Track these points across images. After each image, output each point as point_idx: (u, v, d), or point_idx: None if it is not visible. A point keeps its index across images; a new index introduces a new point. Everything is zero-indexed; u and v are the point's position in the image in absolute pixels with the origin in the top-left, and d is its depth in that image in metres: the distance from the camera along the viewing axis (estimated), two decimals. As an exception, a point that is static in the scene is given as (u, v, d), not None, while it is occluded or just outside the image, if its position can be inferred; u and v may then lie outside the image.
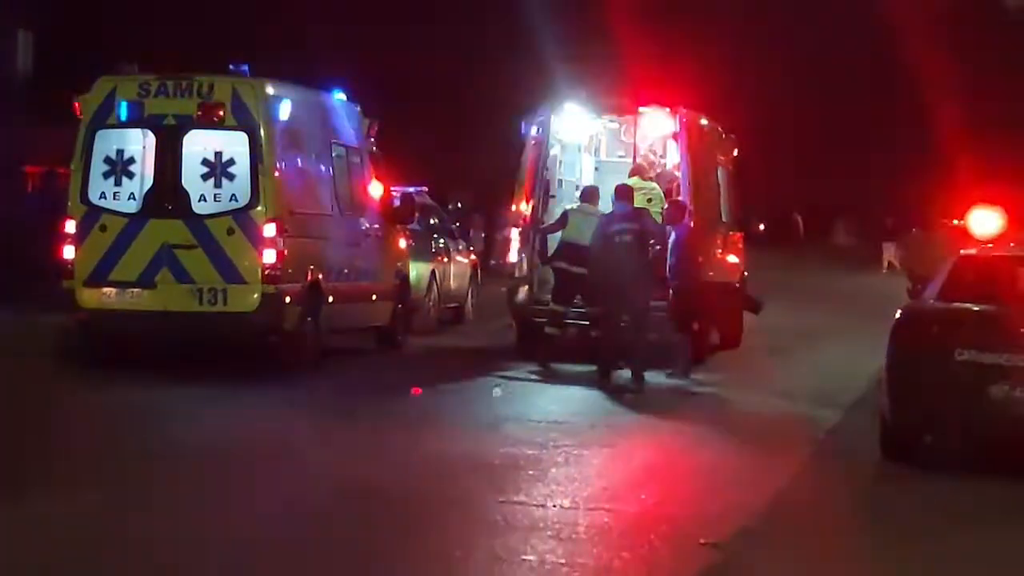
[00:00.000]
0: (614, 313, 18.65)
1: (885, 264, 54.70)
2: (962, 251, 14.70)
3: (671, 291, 18.96)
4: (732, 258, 23.44)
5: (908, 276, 23.20)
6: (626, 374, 18.44)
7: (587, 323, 19.57)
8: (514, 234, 21.13)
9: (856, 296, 38.66)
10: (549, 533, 10.58)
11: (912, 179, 57.23)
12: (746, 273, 24.46)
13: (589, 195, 20.01)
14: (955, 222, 45.15)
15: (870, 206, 59.60)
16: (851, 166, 63.89)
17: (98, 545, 9.81)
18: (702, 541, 10.34)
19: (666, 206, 19.87)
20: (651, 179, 20.93)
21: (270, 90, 18.02)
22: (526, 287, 20.37)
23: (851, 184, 63.02)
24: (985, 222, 14.41)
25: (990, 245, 14.98)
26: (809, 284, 42.73)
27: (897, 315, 13.85)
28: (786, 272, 44.12)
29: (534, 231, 20.42)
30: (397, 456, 13.63)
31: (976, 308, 13.53)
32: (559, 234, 19.94)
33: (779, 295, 33.49)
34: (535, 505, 11.57)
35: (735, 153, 24.35)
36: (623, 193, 19.15)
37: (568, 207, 20.26)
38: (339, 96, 20.57)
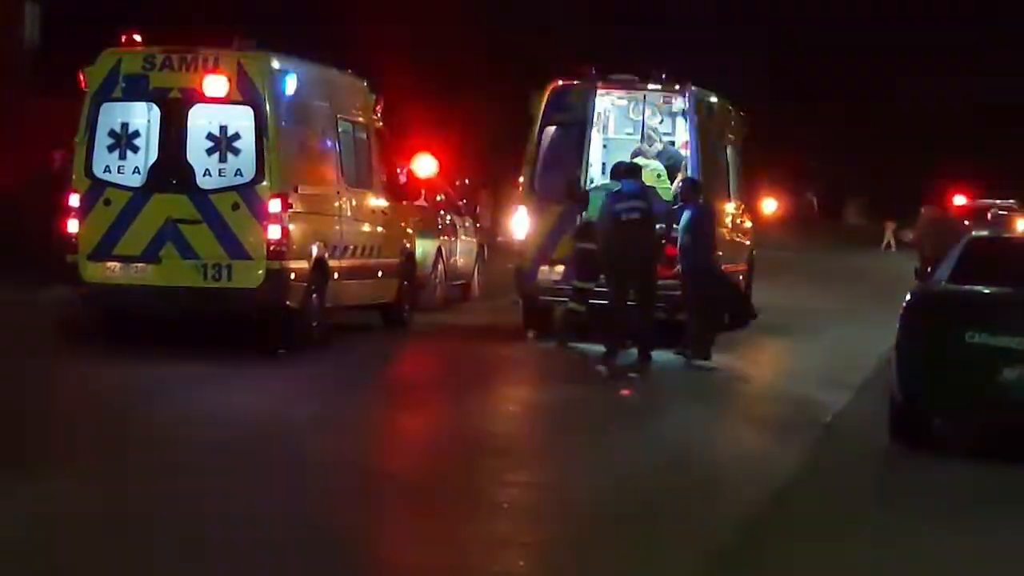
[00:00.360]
0: (621, 291, 18.50)
1: (884, 243, 54.68)
2: (974, 233, 14.55)
3: (683, 271, 18.76)
4: (741, 238, 23.28)
5: (918, 256, 23.05)
6: (633, 353, 18.29)
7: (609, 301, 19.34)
8: (521, 211, 20.98)
9: (865, 276, 38.61)
10: (557, 516, 10.49)
11: (926, 163, 57.21)
12: (755, 253, 24.31)
13: (616, 172, 19.72)
14: (959, 200, 45.37)
15: (882, 188, 59.54)
16: (866, 148, 63.81)
17: (90, 525, 9.69)
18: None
19: (680, 184, 19.68)
20: (652, 159, 20.80)
21: (276, 64, 17.85)
22: (560, 266, 20.07)
23: (865, 166, 62.95)
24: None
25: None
26: (818, 263, 42.65)
27: (908, 297, 13.70)
28: (796, 252, 44.11)
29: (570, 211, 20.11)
30: (403, 436, 13.55)
31: (987, 291, 13.39)
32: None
33: (788, 274, 33.51)
34: (543, 488, 11.46)
35: (746, 131, 24.17)
36: (631, 171, 19.02)
37: (593, 186, 20.11)
38: (346, 71, 20.41)
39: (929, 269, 20.91)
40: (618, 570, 9.17)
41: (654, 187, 19.70)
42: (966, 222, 27.74)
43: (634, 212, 18.31)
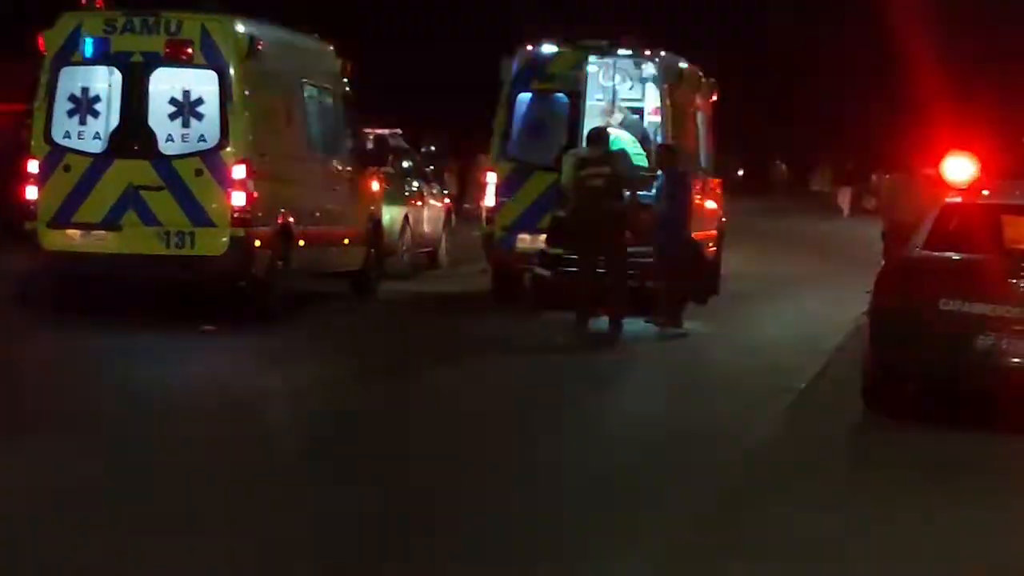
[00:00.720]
0: (589, 259, 18.32)
1: (843, 208, 54.58)
2: (947, 199, 14.36)
3: (657, 238, 18.55)
4: (711, 205, 23.09)
5: (883, 221, 22.94)
6: (603, 322, 18.10)
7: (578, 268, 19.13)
8: (491, 177, 20.74)
9: (830, 241, 38.53)
10: (532, 484, 10.30)
11: (887, 126, 57.09)
12: (725, 220, 24.13)
13: (590, 138, 19.47)
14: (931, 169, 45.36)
15: (848, 153, 59.45)
16: (828, 113, 63.76)
17: (44, 497, 9.46)
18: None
19: (656, 151, 19.46)
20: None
21: (240, 28, 17.57)
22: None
23: (829, 131, 62.91)
24: (959, 169, 14.12)
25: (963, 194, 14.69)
26: (785, 229, 42.55)
27: (881, 264, 13.54)
28: (763, 218, 44.00)
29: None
30: (373, 408, 13.29)
31: (962, 258, 13.22)
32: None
33: (756, 241, 33.36)
34: (516, 457, 11.28)
35: (714, 98, 23.96)
36: (595, 136, 18.82)
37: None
38: (313, 36, 20.13)
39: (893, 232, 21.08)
40: (594, 537, 8.98)
41: (625, 151, 19.46)
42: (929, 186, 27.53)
43: (598, 179, 18.16)
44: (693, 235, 19.63)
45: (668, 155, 19.10)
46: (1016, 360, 12.68)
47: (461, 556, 8.57)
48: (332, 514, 9.32)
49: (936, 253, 13.32)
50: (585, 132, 19.67)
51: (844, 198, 55.51)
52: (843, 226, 46.58)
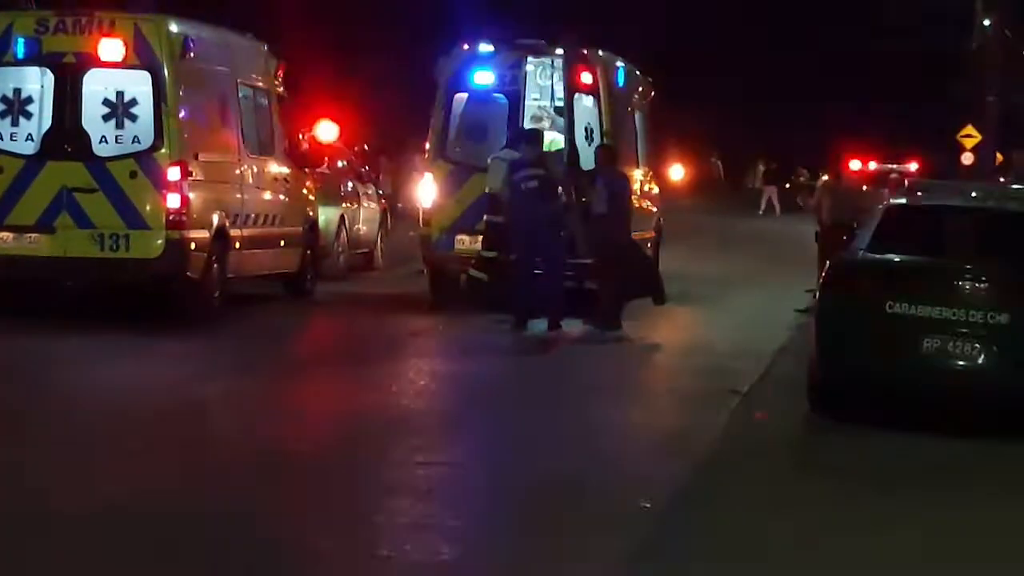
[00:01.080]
0: (525, 261, 18.18)
1: (762, 206, 54.80)
2: (891, 200, 14.33)
3: (597, 240, 18.45)
4: (649, 204, 23.01)
5: (816, 222, 22.99)
6: (541, 324, 17.96)
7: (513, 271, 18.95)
8: (428, 178, 20.58)
9: (765, 240, 38.60)
10: (472, 497, 10.15)
11: (821, 127, 57.42)
12: (662, 220, 24.06)
13: (511, 140, 19.41)
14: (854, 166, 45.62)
15: (787, 153, 59.71)
16: (770, 112, 64.04)
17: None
18: (644, 504, 9.88)
19: (595, 151, 19.32)
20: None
21: (174, 28, 17.34)
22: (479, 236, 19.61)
23: (768, 131, 63.15)
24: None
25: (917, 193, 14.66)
26: (721, 228, 42.59)
27: (827, 267, 13.48)
28: (700, 216, 44.05)
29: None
30: (304, 412, 13.12)
31: (907, 259, 13.18)
32: None
33: (694, 239, 33.36)
34: (456, 467, 11.13)
35: (652, 96, 23.90)
36: (529, 138, 18.70)
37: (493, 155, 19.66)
38: (246, 35, 19.90)
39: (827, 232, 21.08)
40: (541, 550, 8.82)
41: (560, 152, 19.33)
42: (864, 187, 27.59)
43: (532, 181, 18.06)
44: (632, 236, 19.54)
45: (606, 155, 18.98)
46: (962, 363, 12.65)
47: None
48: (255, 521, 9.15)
49: (880, 255, 13.26)
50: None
51: (766, 196, 55.75)
52: (778, 224, 46.71)
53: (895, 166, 44.90)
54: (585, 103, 20.44)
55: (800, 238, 26.65)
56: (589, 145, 20.07)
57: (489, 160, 19.32)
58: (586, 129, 20.45)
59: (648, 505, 9.89)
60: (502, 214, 18.60)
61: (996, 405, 13.08)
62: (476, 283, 19.23)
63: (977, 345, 12.58)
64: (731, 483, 10.88)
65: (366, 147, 39.01)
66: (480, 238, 19.41)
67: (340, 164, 25.30)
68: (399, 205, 35.74)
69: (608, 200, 18.37)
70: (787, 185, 56.77)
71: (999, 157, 48.17)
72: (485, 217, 19.10)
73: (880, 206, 14.26)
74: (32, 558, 8.25)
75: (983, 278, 12.66)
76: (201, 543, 8.63)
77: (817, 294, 13.78)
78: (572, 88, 20.00)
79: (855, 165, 48.55)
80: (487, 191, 19.11)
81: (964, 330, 12.59)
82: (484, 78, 20.48)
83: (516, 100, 20.31)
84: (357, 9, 46.50)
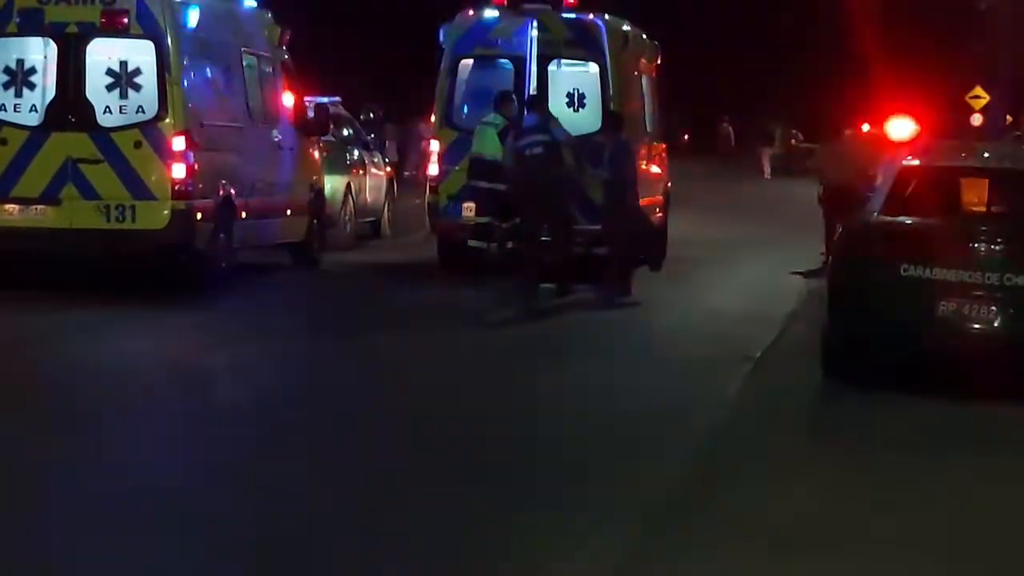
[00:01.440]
0: (533, 229, 18.04)
1: (765, 170, 54.56)
2: (904, 162, 14.16)
3: (604, 206, 18.32)
4: (656, 170, 22.83)
5: (819, 183, 22.88)
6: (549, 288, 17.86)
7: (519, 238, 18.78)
8: (434, 145, 20.42)
9: (770, 203, 38.38)
10: (482, 473, 10.02)
11: (824, 88, 57.18)
12: (670, 185, 23.88)
13: (498, 102, 19.19)
14: (865, 128, 45.37)
15: (769, 114, 59.43)
16: (772, 75, 63.74)
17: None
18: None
19: (602, 116, 19.15)
20: None
21: (178, -4, 17.19)
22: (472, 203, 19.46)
23: (768, 93, 62.92)
24: (901, 128, 14.06)
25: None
26: (728, 191, 42.41)
27: (840, 230, 13.32)
28: (707, 180, 43.87)
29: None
30: (317, 384, 12.97)
31: (922, 222, 13.03)
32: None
33: (700, 204, 33.18)
34: (465, 442, 10.97)
35: (658, 60, 23.69)
36: (532, 103, 18.53)
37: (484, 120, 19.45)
38: (250, 2, 19.73)
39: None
40: (558, 525, 8.68)
41: (556, 118, 19.13)
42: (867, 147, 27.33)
43: (537, 147, 17.91)
44: (640, 201, 19.42)
45: (613, 121, 18.83)
46: (978, 326, 12.51)
47: (412, 544, 8.30)
48: (288, 496, 9.03)
49: (895, 218, 13.11)
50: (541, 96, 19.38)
51: (765, 158, 55.50)
52: (781, 188, 46.47)
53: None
54: (591, 68, 20.23)
55: (806, 200, 26.44)
56: (576, 111, 19.84)
57: (477, 127, 19.10)
58: (571, 95, 20.17)
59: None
60: (497, 180, 18.41)
61: (1014, 368, 12.91)
62: (476, 251, 19.07)
63: (994, 308, 12.44)
64: (743, 452, 10.75)
65: (371, 115, 38.81)
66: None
67: (346, 133, 25.12)
68: (406, 173, 35.57)
69: (613, 165, 18.25)
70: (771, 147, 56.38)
71: (1008, 119, 47.94)
72: (472, 183, 18.91)
73: (892, 167, 14.09)
74: (32, 536, 8.14)
75: (999, 240, 12.51)
76: (204, 517, 8.53)
77: (829, 258, 13.60)
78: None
79: (866, 127, 48.30)
80: (473, 156, 18.89)
81: (980, 293, 12.44)
82: (488, 43, 20.28)
83: (522, 65, 20.11)
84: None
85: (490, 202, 18.72)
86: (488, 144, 18.69)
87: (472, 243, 19.06)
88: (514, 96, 18.96)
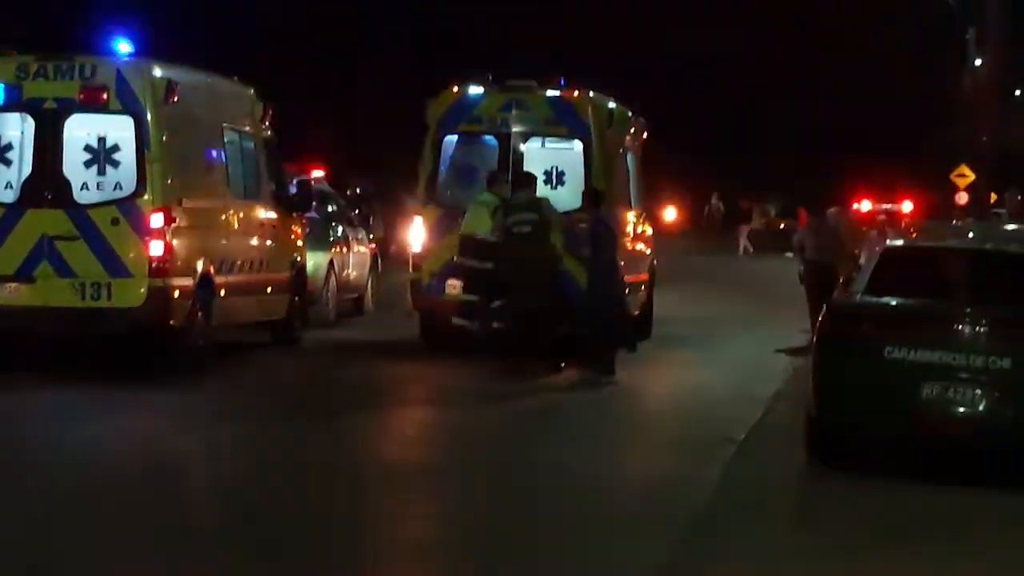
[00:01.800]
0: (520, 306, 17.88)
1: (740, 248, 54.55)
2: (888, 242, 14.00)
3: (588, 286, 18.18)
4: (641, 247, 22.69)
5: (800, 261, 22.87)
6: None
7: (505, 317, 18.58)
8: (418, 222, 20.25)
9: (754, 281, 38.27)
10: (462, 554, 9.77)
11: (804, 171, 57.63)
12: (656, 263, 23.72)
13: (490, 181, 19.14)
14: (856, 206, 45.44)
15: (741, 191, 59.55)
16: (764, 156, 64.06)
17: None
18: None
19: (583, 193, 18.98)
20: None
21: (157, 72, 17.04)
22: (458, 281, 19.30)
23: (755, 173, 63.14)
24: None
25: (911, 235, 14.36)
26: (714, 269, 42.30)
27: (824, 310, 13.14)
28: (693, 257, 43.81)
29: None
30: (293, 466, 12.72)
31: (906, 303, 12.84)
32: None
33: (686, 281, 33.05)
34: (446, 521, 10.77)
35: (644, 136, 23.59)
36: (523, 181, 18.40)
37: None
38: (231, 78, 19.61)
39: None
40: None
41: (546, 198, 18.99)
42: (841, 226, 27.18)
43: (525, 225, 17.80)
44: (625, 278, 19.29)
45: (594, 198, 18.70)
46: (963, 409, 12.30)
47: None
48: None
49: (879, 298, 12.93)
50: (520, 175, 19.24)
51: (743, 236, 55.49)
52: (765, 265, 46.41)
53: (888, 206, 44.68)
54: (575, 146, 20.10)
55: (787, 278, 26.34)
56: (554, 188, 19.72)
57: (471, 205, 18.96)
58: (548, 172, 20.03)
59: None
60: (487, 259, 18.27)
61: (998, 453, 12.71)
62: (463, 330, 18.88)
63: (979, 391, 12.24)
64: (726, 538, 10.53)
65: (359, 190, 38.74)
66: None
67: (330, 208, 24.97)
68: (392, 248, 35.41)
69: (592, 243, 18.13)
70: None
71: (993, 196, 47.98)
72: (462, 260, 18.73)
73: (878, 248, 13.94)
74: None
75: (984, 321, 12.31)
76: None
77: (815, 337, 13.40)
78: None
79: (866, 205, 48.38)
80: (464, 234, 18.73)
81: (965, 375, 12.25)
82: (473, 120, 20.19)
83: (507, 142, 20.01)
84: (349, 51, 46.31)
85: (478, 281, 18.55)
86: (480, 223, 18.56)
87: (456, 321, 18.87)
88: (532, 177, 18.77)
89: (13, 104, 16.85)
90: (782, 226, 50.80)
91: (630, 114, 22.67)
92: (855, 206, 41.17)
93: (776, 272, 35.94)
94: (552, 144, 20.45)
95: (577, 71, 21.47)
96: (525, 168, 19.55)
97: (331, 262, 23.67)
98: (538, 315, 17.93)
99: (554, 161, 20.13)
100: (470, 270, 18.66)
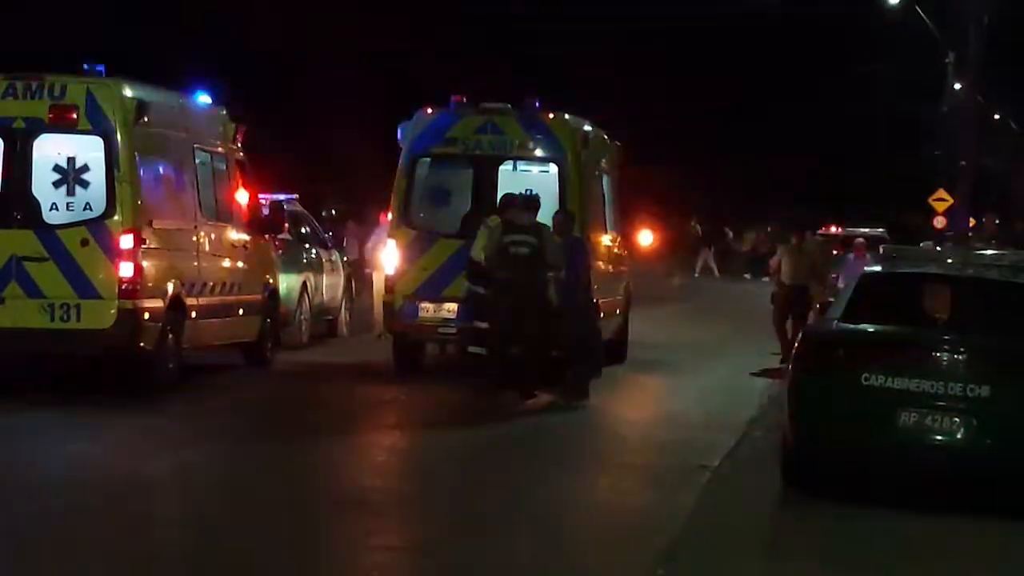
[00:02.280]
0: (505, 329, 17.65)
1: (698, 269, 54.54)
2: (866, 269, 13.89)
3: (562, 308, 18.00)
4: (616, 270, 22.55)
5: (775, 283, 22.94)
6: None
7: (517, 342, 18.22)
8: (391, 244, 20.07)
9: (728, 304, 38.21)
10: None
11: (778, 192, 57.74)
12: (631, 285, 23.60)
13: (502, 205, 18.76)
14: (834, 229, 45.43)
15: (703, 214, 59.57)
16: (741, 175, 64.09)
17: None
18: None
19: (553, 217, 18.80)
20: None
21: (128, 92, 16.90)
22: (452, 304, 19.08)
23: (739, 194, 63.22)
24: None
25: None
26: (692, 294, 42.22)
27: (800, 336, 13.01)
28: (671, 281, 43.75)
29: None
30: (261, 492, 12.52)
31: (884, 330, 12.72)
32: None
33: (660, 305, 32.93)
34: (414, 552, 10.58)
35: (621, 161, 23.47)
36: (528, 203, 18.15)
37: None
38: (203, 98, 19.44)
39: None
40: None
41: (547, 225, 18.75)
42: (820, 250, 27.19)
43: (523, 247, 17.60)
44: (597, 301, 19.14)
45: (566, 222, 18.52)
46: (940, 437, 12.17)
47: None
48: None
49: (856, 325, 12.81)
50: (498, 198, 19.01)
51: (701, 258, 55.46)
52: (739, 288, 46.36)
53: (864, 230, 44.60)
54: (550, 168, 19.95)
55: (759, 302, 26.29)
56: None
57: (483, 228, 18.65)
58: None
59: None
60: (476, 283, 18.03)
61: (975, 481, 12.58)
62: (476, 357, 18.50)
63: (956, 419, 12.12)
64: (700, 566, 10.39)
65: (333, 212, 38.60)
66: (446, 305, 18.97)
67: (303, 230, 24.80)
68: (367, 271, 35.19)
69: (566, 267, 17.94)
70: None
71: (971, 221, 48.02)
72: (471, 287, 18.39)
73: (856, 273, 13.83)
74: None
75: (962, 349, 12.20)
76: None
77: (790, 364, 13.27)
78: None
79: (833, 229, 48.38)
80: (472, 259, 18.45)
81: (943, 403, 12.12)
82: (446, 142, 20.02)
83: (480, 165, 19.86)
84: (324, 73, 46.12)
85: (481, 307, 18.24)
86: (480, 246, 18.27)
87: (473, 350, 18.44)
88: (535, 200, 18.50)
89: (-19, 124, 16.70)
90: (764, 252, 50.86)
91: (606, 137, 22.56)
92: (821, 230, 41.21)
93: (750, 294, 35.97)
94: (526, 167, 20.32)
95: (552, 93, 21.30)
96: (494, 191, 19.34)
97: (304, 284, 23.51)
98: (531, 340, 17.70)
99: (529, 183, 19.96)
100: (481, 297, 18.27)
